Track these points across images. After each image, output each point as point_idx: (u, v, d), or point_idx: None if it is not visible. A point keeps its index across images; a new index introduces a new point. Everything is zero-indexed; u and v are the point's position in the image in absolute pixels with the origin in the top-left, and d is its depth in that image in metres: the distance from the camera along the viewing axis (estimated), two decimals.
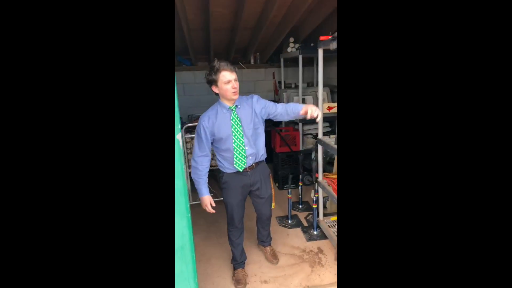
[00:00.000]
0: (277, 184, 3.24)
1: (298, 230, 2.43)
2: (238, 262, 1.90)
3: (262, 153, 1.73)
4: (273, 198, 1.91)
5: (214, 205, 1.70)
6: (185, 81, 3.99)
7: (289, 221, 2.52)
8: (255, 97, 1.68)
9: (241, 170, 1.66)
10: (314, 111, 1.49)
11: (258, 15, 2.78)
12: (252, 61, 4.00)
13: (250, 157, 1.66)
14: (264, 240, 2.08)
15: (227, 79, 1.51)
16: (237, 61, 3.88)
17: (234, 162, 1.64)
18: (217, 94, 1.61)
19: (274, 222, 2.54)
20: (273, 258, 2.04)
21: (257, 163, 1.73)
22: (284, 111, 1.64)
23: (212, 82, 1.56)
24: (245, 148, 1.63)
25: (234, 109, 1.61)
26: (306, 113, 1.52)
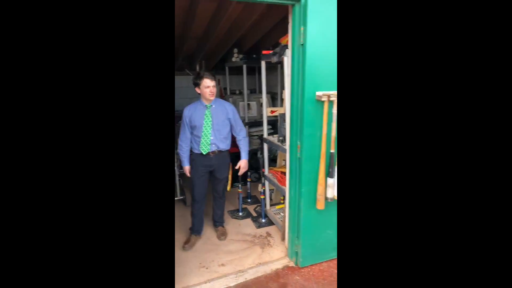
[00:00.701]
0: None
1: (249, 220, 2.72)
2: (194, 230, 2.38)
3: (223, 145, 2.24)
4: (229, 182, 2.42)
5: (189, 174, 2.30)
6: None
7: (240, 214, 2.80)
8: (233, 109, 2.28)
9: (204, 153, 2.20)
10: (242, 169, 2.30)
11: (205, 27, 3.03)
12: (198, 68, 4.20)
13: (213, 145, 2.20)
14: (216, 220, 2.51)
15: (207, 85, 2.09)
16: (183, 68, 4.04)
17: (200, 146, 2.18)
18: (199, 94, 2.17)
19: (226, 216, 2.78)
20: (221, 235, 2.43)
21: (219, 151, 2.24)
22: (238, 139, 2.31)
23: (196, 84, 2.14)
24: (210, 138, 2.17)
25: (209, 107, 2.17)
26: (239, 166, 2.29)
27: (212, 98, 2.13)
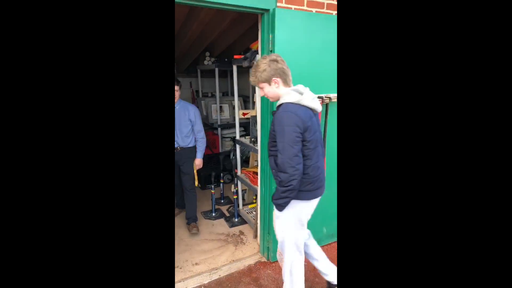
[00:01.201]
0: (199, 185, 3.52)
1: (222, 220, 2.78)
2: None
3: (186, 143, 2.46)
4: (195, 177, 2.57)
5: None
6: None
7: (213, 214, 2.85)
8: (196, 111, 2.46)
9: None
10: (196, 166, 2.54)
11: (177, 29, 3.05)
12: None
13: (176, 143, 2.44)
14: (188, 217, 2.58)
15: None
16: None
17: None
18: None
19: (199, 216, 2.82)
20: (193, 227, 2.51)
21: (182, 148, 2.46)
22: (196, 139, 2.51)
23: None
24: (174, 135, 2.42)
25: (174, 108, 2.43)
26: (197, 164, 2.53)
27: (175, 101, 2.38)
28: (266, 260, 2.14)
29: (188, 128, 2.43)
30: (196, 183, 2.57)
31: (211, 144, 3.43)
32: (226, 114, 3.71)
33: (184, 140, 2.45)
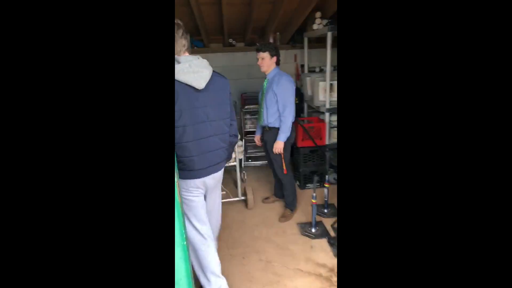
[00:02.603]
0: (298, 183, 2.85)
1: (324, 241, 2.04)
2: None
3: (272, 119, 2.22)
4: (283, 164, 2.27)
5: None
6: None
7: (313, 230, 2.14)
8: (288, 86, 2.13)
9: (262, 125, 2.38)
10: (274, 149, 2.21)
11: None
12: (271, 40, 3.55)
13: (264, 120, 2.27)
14: (284, 201, 2.46)
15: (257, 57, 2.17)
16: (253, 43, 3.44)
17: (258, 118, 2.46)
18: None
19: (295, 230, 2.17)
20: (282, 217, 2.36)
21: (269, 128, 2.25)
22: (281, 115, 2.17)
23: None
24: (262, 110, 2.30)
25: (266, 80, 2.24)
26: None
27: (262, 70, 2.15)
28: None
29: (276, 105, 2.16)
30: (285, 170, 2.25)
31: (314, 133, 2.66)
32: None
33: (271, 117, 2.19)
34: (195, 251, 1.41)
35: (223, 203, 1.89)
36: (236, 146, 2.37)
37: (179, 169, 1.29)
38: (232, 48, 3.56)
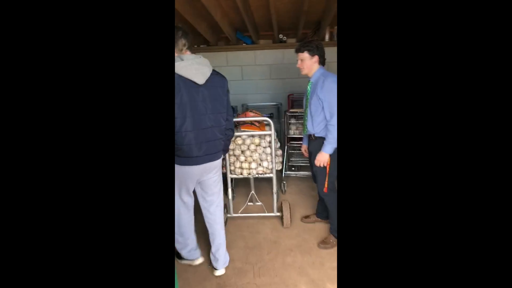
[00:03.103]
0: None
1: None
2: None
3: (317, 129, 1.91)
4: (325, 183, 1.92)
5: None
6: (244, 62, 3.43)
7: None
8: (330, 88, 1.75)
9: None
10: (316, 162, 1.85)
11: None
12: (327, 37, 3.16)
13: (309, 128, 1.96)
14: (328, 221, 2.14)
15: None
16: (306, 38, 3.10)
17: (303, 127, 2.09)
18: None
19: (336, 264, 1.82)
20: (322, 243, 2.01)
21: (315, 137, 1.94)
22: (327, 124, 1.83)
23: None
24: (306, 118, 1.98)
25: (309, 83, 1.90)
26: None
27: (303, 73, 1.88)
28: None
29: (319, 111, 1.83)
30: (325, 188, 1.89)
31: None
32: None
33: (316, 126, 1.89)
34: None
35: (256, 218, 1.68)
36: (275, 155, 2.11)
37: (177, 156, 1.40)
38: (281, 45, 3.28)
